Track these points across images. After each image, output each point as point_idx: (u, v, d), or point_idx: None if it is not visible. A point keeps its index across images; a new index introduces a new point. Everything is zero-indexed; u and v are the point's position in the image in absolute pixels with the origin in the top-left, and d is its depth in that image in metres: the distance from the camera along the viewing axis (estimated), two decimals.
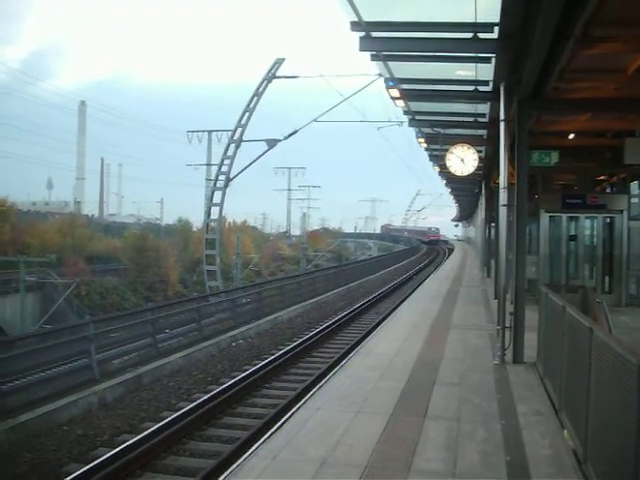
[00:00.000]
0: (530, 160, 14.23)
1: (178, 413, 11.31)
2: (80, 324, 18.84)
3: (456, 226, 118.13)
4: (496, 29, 8.93)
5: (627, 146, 14.90)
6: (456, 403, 8.45)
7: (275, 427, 7.57)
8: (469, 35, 9.33)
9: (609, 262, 19.48)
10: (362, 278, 41.37)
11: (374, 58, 11.00)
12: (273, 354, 16.78)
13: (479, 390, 9.15)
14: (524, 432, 7.18)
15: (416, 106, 15.27)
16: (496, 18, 8.54)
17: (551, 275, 19.04)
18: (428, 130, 18.11)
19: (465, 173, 15.46)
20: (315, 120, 34.87)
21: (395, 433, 7.15)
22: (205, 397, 12.41)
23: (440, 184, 44.41)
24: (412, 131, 19.64)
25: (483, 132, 17.43)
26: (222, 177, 36.28)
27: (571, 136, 16.45)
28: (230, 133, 37.02)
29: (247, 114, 35.59)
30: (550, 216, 19.38)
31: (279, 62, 34.48)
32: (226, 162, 36.05)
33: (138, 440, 9.92)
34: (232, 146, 35.93)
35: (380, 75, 13.16)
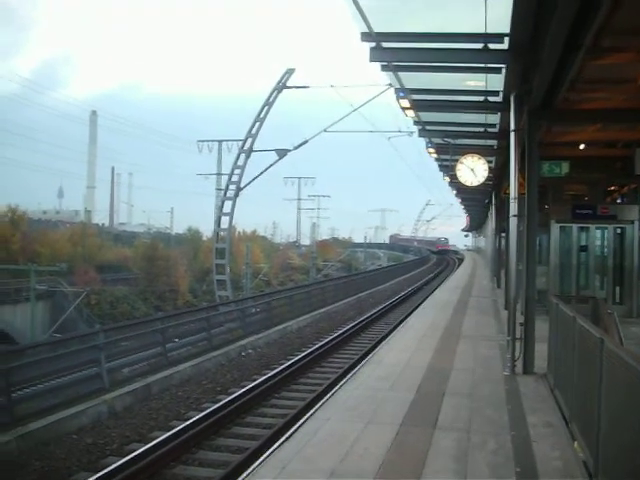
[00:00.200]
0: (540, 170, 14.22)
1: (187, 422, 11.30)
2: (90, 333, 18.88)
3: (466, 236, 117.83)
4: (506, 40, 8.95)
5: (638, 156, 14.89)
6: (466, 414, 8.41)
7: (284, 437, 7.55)
8: (479, 46, 9.36)
9: (620, 273, 19.36)
10: (372, 288, 41.33)
11: (384, 69, 11.05)
12: (282, 364, 16.75)
13: (489, 401, 9.10)
14: (534, 444, 7.14)
15: (426, 116, 15.28)
16: (506, 29, 8.56)
17: (561, 286, 18.93)
18: (438, 140, 18.12)
19: (475, 183, 15.48)
20: (325, 130, 34.95)
21: (405, 444, 7.12)
22: (214, 407, 12.41)
23: (450, 194, 44.37)
24: (422, 141, 19.64)
25: (493, 142, 17.41)
26: (232, 187, 36.35)
27: (582, 146, 16.41)
28: (240, 143, 37.13)
29: (257, 124, 35.70)
30: (560, 226, 19.29)
31: (289, 72, 34.60)
32: (236, 172, 36.16)
33: (147, 449, 9.92)
34: (242, 156, 36.02)
35: (390, 85, 13.20)
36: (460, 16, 9.14)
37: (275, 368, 16.17)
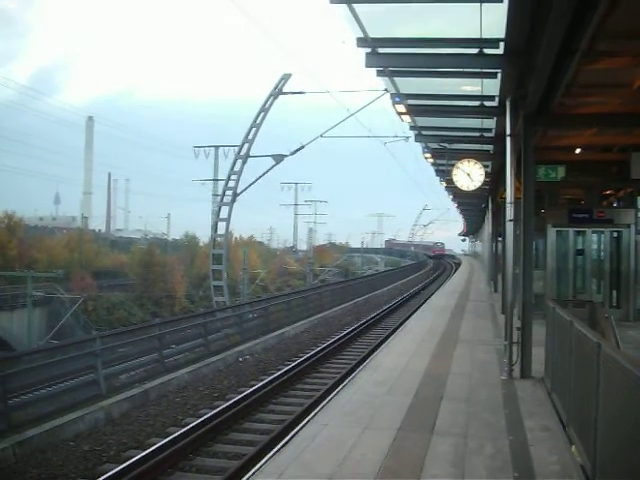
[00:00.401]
0: (536, 175, 14.26)
1: (184, 429, 11.29)
2: (87, 339, 18.86)
3: (463, 241, 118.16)
4: (502, 44, 8.97)
5: (633, 161, 14.88)
6: (463, 418, 8.41)
7: (282, 443, 7.53)
8: (475, 51, 9.38)
9: (616, 277, 19.39)
10: (369, 293, 41.39)
11: (380, 74, 11.04)
12: (280, 369, 16.74)
13: (486, 405, 9.10)
14: (532, 448, 7.13)
15: (422, 121, 15.29)
16: (501, 34, 8.58)
17: (558, 290, 18.96)
18: (434, 145, 18.13)
19: (472, 188, 15.49)
20: (321, 135, 34.91)
21: (402, 449, 7.11)
22: (211, 413, 12.40)
23: (447, 199, 44.40)
24: (418, 146, 19.66)
25: (489, 147, 17.44)
26: (229, 192, 36.32)
27: (577, 151, 16.44)
28: (237, 149, 37.12)
29: (254, 129, 35.67)
30: (557, 231, 19.32)
31: (285, 78, 34.58)
32: (233, 177, 36.10)
33: (144, 456, 9.91)
34: (239, 161, 35.99)
35: (386, 91, 13.20)
36: (455, 21, 9.15)
37: (273, 374, 16.16)
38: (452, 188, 26.25)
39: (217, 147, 48.30)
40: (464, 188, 15.56)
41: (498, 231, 26.89)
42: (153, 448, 10.27)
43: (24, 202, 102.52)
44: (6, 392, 11.93)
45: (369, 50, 9.78)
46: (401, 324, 21.81)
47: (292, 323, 25.75)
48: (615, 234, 19.43)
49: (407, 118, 14.38)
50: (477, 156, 16.29)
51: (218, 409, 12.68)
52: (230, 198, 36.24)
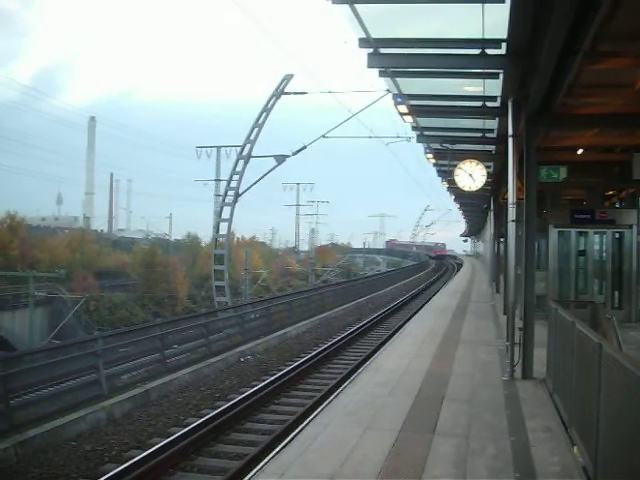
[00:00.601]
0: (539, 175, 14.23)
1: (186, 429, 11.28)
2: (89, 340, 18.85)
3: (465, 241, 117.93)
4: (504, 45, 8.96)
5: (635, 161, 14.89)
6: (465, 419, 8.40)
7: (283, 443, 7.53)
8: (477, 51, 9.37)
9: (618, 277, 19.37)
10: (371, 293, 41.34)
11: (382, 74, 11.04)
12: (281, 370, 16.74)
13: (488, 406, 9.09)
14: (533, 449, 7.13)
15: (424, 122, 15.29)
16: (504, 34, 8.58)
17: (560, 290, 18.95)
18: (436, 146, 18.12)
19: (474, 188, 15.48)
20: (324, 136, 34.87)
21: (404, 449, 7.11)
22: (213, 413, 12.39)
23: (449, 199, 44.38)
24: (420, 147, 19.67)
25: (491, 148, 17.44)
26: (231, 192, 36.29)
27: (579, 151, 16.42)
28: (239, 149, 37.09)
29: (256, 130, 35.63)
30: (559, 231, 19.31)
31: (287, 78, 34.54)
32: (235, 177, 36.07)
33: (146, 456, 9.91)
34: (241, 162, 35.96)
35: (388, 91, 13.20)
36: (457, 22, 9.15)
37: (274, 374, 16.15)
38: (454, 189, 26.23)
39: (219, 147, 48.32)
40: (466, 189, 15.56)
41: (500, 232, 26.90)
42: (155, 448, 10.27)
43: (26, 202, 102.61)
44: (8, 392, 11.92)
45: (371, 50, 9.77)
46: (403, 325, 21.81)
47: (294, 323, 25.72)
48: (617, 235, 19.41)
49: (409, 119, 14.37)
50: (479, 157, 16.30)
51: (220, 409, 12.67)
52: (232, 198, 36.22)
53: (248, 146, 35.62)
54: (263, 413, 13.06)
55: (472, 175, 15.04)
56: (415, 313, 25.41)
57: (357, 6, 8.28)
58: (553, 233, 19.18)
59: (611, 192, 22.55)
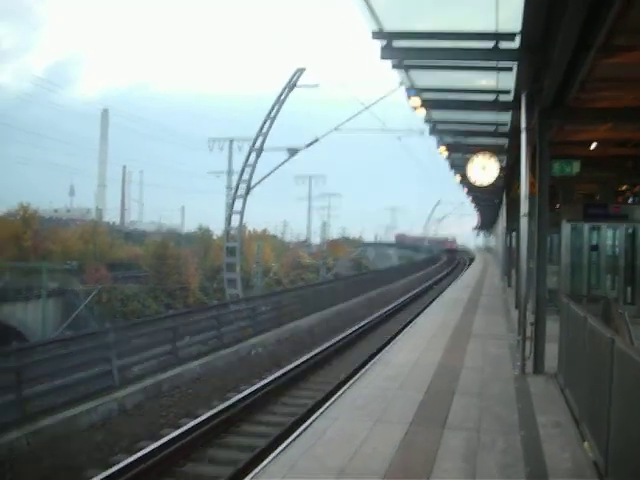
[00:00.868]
0: (551, 170, 14.16)
1: (197, 420, 11.33)
2: (101, 331, 18.93)
3: (477, 235, 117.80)
4: (517, 38, 8.91)
5: None
6: (476, 413, 8.39)
7: (293, 436, 7.55)
8: (490, 45, 9.33)
9: (631, 272, 19.25)
10: (382, 287, 41.28)
11: (395, 67, 11.01)
12: (293, 362, 16.76)
13: (499, 400, 9.08)
14: (544, 444, 7.12)
15: (437, 115, 15.24)
16: (517, 28, 8.53)
17: (572, 285, 18.85)
18: (449, 139, 18.07)
19: (486, 182, 15.43)
20: (336, 129, 34.94)
21: (414, 443, 7.11)
22: (224, 405, 12.44)
23: (461, 193, 44.22)
24: (433, 140, 19.60)
25: (504, 141, 17.34)
26: (243, 185, 36.37)
27: (593, 146, 16.33)
28: (251, 141, 37.14)
29: (268, 122, 35.69)
30: (572, 226, 19.21)
31: (300, 71, 34.60)
32: (247, 170, 36.15)
33: (157, 447, 9.96)
34: (253, 154, 36.02)
35: (401, 84, 13.16)
36: (471, 15, 9.11)
37: (285, 366, 16.18)
38: (466, 182, 26.15)
39: (232, 140, 48.42)
40: (478, 182, 15.51)
41: (512, 226, 26.80)
42: (166, 439, 10.32)
43: (39, 194, 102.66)
44: (20, 382, 12.00)
45: (384, 43, 9.74)
46: (414, 318, 21.79)
47: (305, 316, 25.72)
48: (630, 230, 19.30)
49: (422, 112, 14.31)
50: (492, 150, 16.20)
51: (231, 401, 12.71)
52: (244, 191, 36.30)
53: (260, 139, 35.68)
54: (274, 405, 13.12)
55: (485, 168, 14.98)
56: (427, 306, 25.36)
57: None
58: (566, 227, 19.08)
59: (624, 187, 22.41)
